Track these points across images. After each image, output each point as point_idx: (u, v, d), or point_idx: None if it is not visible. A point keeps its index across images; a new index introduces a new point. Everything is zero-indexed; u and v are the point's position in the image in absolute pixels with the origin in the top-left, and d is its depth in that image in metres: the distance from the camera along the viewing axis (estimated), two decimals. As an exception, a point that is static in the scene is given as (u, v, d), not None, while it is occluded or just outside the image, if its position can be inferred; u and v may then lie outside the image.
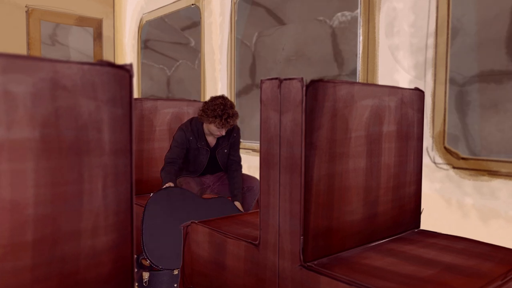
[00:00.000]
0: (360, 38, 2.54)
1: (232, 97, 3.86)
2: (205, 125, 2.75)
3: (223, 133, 2.68)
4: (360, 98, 1.72)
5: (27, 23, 4.60)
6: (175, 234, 2.20)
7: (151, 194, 2.39)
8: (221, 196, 2.65)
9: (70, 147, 1.06)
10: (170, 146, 2.77)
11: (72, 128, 1.05)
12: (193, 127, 2.76)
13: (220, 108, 2.58)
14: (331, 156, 1.63)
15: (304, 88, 1.52)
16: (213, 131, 2.69)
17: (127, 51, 5.21)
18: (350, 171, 1.71)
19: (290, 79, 1.58)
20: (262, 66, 3.50)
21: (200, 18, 4.00)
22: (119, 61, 5.34)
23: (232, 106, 2.65)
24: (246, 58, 3.61)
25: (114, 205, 1.15)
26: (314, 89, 1.54)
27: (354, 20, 2.58)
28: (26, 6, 4.58)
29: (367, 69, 2.49)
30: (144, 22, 4.82)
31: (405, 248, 1.78)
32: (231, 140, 2.88)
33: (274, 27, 3.23)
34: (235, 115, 2.63)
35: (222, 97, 2.67)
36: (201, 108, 2.67)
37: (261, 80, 1.69)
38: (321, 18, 2.87)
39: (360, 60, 2.54)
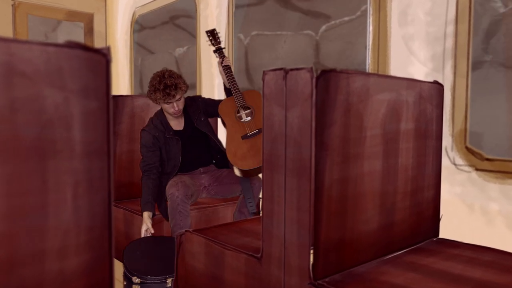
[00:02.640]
0: (370, 28, 2.33)
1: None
2: (163, 111, 2.47)
3: (176, 108, 2.38)
4: (376, 91, 1.51)
5: (13, 18, 4.37)
6: (161, 249, 2.00)
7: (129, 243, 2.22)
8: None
9: (31, 149, 0.85)
10: (141, 153, 2.45)
11: (34, 125, 0.85)
12: (155, 122, 2.47)
13: (156, 81, 2.33)
14: (345, 158, 1.42)
15: (314, 80, 1.32)
16: (168, 110, 2.40)
17: (119, 47, 4.98)
18: (365, 174, 1.51)
19: (297, 69, 1.37)
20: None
21: (196, 10, 3.80)
22: (112, 57, 5.11)
23: (172, 75, 2.34)
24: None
25: (88, 219, 0.95)
26: (325, 80, 1.34)
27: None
28: (12, 0, 4.36)
29: (378, 61, 2.29)
30: (137, 16, 4.60)
31: (427, 260, 1.58)
32: (201, 106, 2.55)
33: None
34: (177, 84, 2.32)
35: (161, 70, 2.39)
36: None
37: (264, 71, 1.49)
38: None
39: (370, 52, 2.34)
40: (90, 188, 0.94)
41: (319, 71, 1.32)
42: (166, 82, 2.31)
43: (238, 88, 2.44)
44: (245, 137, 2.34)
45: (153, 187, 2.37)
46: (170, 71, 2.40)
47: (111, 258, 1.00)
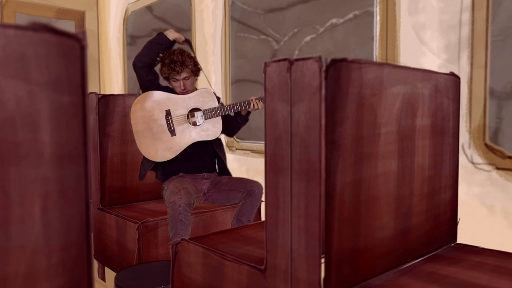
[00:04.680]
0: (377, 18, 2.19)
1: (228, 96, 3.51)
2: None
3: (183, 87, 2.33)
4: (390, 83, 1.37)
5: (0, 17, 4.21)
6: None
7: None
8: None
9: (-12, 153, 0.70)
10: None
11: (-10, 124, 0.69)
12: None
13: (166, 56, 2.33)
14: (358, 158, 1.27)
15: (323, 71, 1.17)
16: (175, 89, 2.37)
17: (112, 45, 4.82)
18: (380, 176, 1.36)
19: (303, 59, 1.22)
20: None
21: (191, 4, 3.65)
22: (105, 56, 4.95)
23: (181, 53, 2.33)
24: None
25: (61, 236, 0.80)
26: (336, 71, 1.19)
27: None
28: (-1, -3, 4.20)
29: (386, 53, 2.14)
30: (129, 13, 4.44)
31: (448, 270, 1.43)
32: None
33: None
34: (184, 62, 2.30)
35: (173, 49, 2.41)
36: None
37: (265, 63, 1.34)
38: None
39: (377, 44, 2.19)
40: (63, 199, 0.79)
41: (328, 61, 1.17)
42: (173, 58, 2.31)
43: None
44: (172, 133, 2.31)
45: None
46: (182, 49, 2.37)
47: (90, 281, 0.84)
